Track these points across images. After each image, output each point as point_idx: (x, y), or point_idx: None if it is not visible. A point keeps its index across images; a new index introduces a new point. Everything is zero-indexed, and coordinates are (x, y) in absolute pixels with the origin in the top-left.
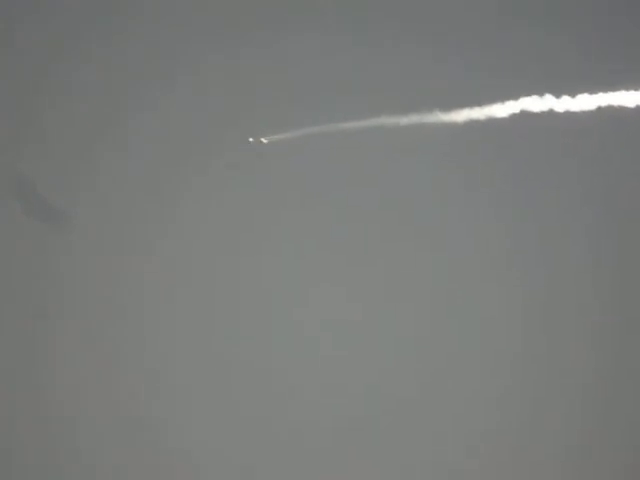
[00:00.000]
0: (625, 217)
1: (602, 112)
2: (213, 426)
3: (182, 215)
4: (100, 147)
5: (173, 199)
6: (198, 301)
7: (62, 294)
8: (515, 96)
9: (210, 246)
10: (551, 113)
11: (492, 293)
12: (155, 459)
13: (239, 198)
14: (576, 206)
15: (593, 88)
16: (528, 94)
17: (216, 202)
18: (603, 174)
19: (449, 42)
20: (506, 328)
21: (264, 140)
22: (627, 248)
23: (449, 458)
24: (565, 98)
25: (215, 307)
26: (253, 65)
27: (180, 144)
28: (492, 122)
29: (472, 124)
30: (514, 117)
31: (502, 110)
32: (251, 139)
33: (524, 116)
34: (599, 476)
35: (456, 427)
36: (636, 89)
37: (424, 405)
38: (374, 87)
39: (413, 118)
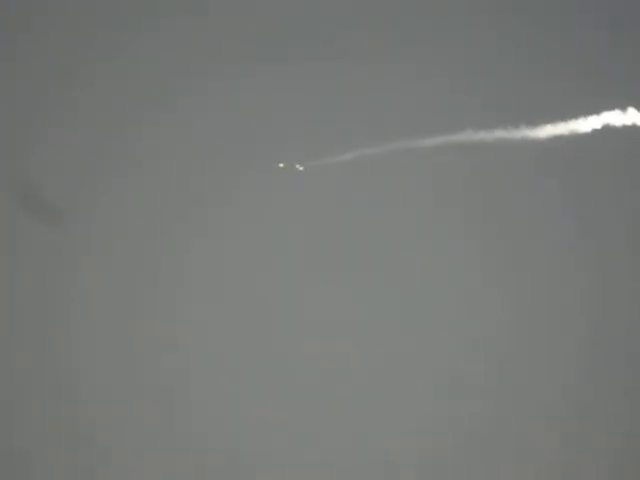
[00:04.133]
0: None
1: None
2: (215, 424)
3: (185, 217)
4: (101, 147)
5: (178, 201)
6: (199, 300)
7: (62, 294)
8: (597, 111)
9: (214, 249)
10: (634, 128)
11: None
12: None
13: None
14: None
15: None
16: (611, 109)
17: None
18: None
19: (533, 59)
20: (502, 332)
21: (300, 167)
22: None
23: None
24: None
25: (216, 308)
26: (287, 90)
27: (192, 157)
28: (575, 137)
29: (556, 139)
30: (596, 132)
31: (585, 125)
32: (281, 165)
33: (607, 131)
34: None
35: (454, 427)
36: None
37: (425, 405)
38: (455, 103)
39: (498, 134)
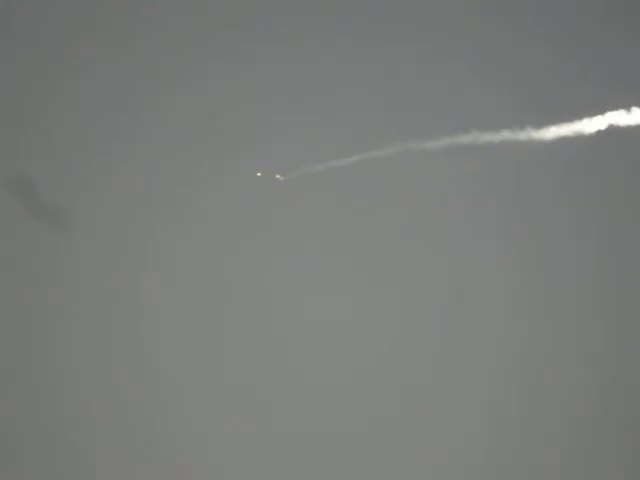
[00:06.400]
0: None
1: None
2: (209, 427)
3: (183, 217)
4: (101, 147)
5: (175, 201)
6: (197, 302)
7: (61, 293)
8: (602, 111)
9: (211, 248)
10: (638, 128)
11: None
12: (150, 460)
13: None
14: None
15: None
16: (615, 109)
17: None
18: None
19: (537, 60)
20: (512, 330)
21: (280, 177)
22: None
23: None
24: None
25: (214, 310)
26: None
27: (185, 155)
28: (579, 138)
29: (561, 140)
30: (601, 133)
31: (590, 126)
32: (259, 174)
33: (611, 131)
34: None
35: (458, 429)
36: None
37: (429, 407)
38: (461, 105)
39: (504, 135)
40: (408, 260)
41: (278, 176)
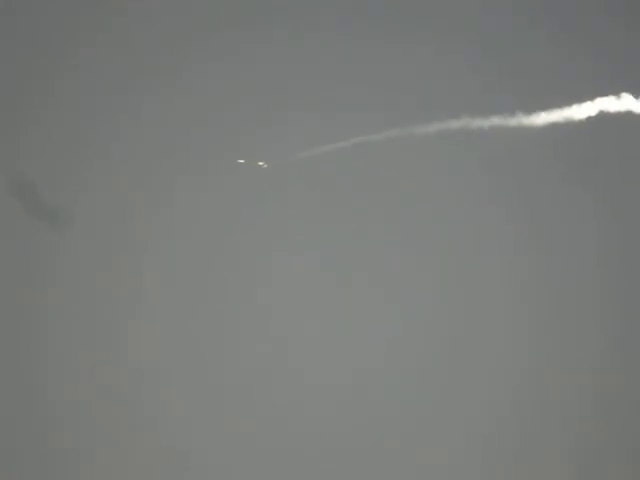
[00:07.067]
0: None
1: None
2: (210, 428)
3: (181, 217)
4: (101, 147)
5: (173, 200)
6: (197, 302)
7: (62, 294)
8: (592, 97)
9: (210, 248)
10: (629, 114)
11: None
12: (151, 460)
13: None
14: None
15: None
16: (606, 95)
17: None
18: None
19: (529, 46)
20: (510, 331)
21: (262, 164)
22: None
23: (451, 461)
24: None
25: (214, 310)
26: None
27: (182, 152)
28: (570, 124)
29: (551, 126)
30: (591, 119)
31: (579, 112)
32: (241, 160)
33: (602, 118)
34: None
35: (458, 429)
36: None
37: (427, 409)
38: (451, 90)
39: (495, 121)
40: (400, 251)
41: (261, 163)
